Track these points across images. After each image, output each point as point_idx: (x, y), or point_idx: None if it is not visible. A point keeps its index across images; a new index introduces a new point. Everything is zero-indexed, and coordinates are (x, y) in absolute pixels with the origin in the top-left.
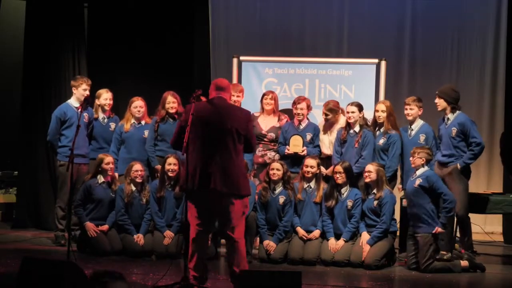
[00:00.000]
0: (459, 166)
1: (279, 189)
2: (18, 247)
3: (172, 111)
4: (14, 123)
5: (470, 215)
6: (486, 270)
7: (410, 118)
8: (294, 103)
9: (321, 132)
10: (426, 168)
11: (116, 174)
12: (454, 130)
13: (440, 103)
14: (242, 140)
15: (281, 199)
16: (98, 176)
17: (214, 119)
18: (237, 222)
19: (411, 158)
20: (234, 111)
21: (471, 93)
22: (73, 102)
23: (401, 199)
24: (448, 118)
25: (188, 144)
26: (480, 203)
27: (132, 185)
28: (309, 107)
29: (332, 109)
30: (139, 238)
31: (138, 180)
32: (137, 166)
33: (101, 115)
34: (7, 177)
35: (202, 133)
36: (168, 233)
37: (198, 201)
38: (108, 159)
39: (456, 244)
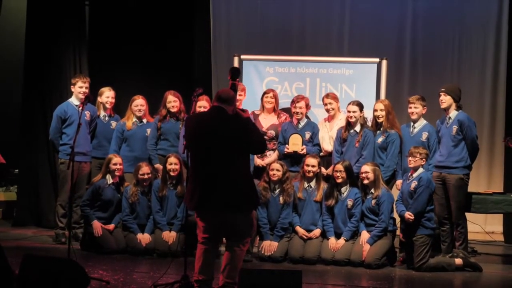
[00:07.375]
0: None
1: (279, 189)
2: (18, 245)
3: (174, 110)
4: (14, 122)
5: (471, 214)
6: (486, 270)
7: (414, 116)
8: (293, 102)
9: (321, 128)
10: (422, 169)
11: None
12: (454, 128)
13: (447, 100)
14: (243, 151)
15: (282, 199)
16: (107, 177)
17: (211, 135)
18: (245, 236)
19: (410, 158)
20: (231, 122)
21: (472, 92)
22: (74, 100)
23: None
24: (449, 117)
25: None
26: (480, 203)
27: (138, 186)
28: (308, 106)
29: (333, 97)
30: (144, 237)
31: (145, 184)
32: (145, 169)
33: (102, 113)
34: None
35: (199, 150)
36: (169, 234)
37: (204, 218)
38: (116, 159)
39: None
